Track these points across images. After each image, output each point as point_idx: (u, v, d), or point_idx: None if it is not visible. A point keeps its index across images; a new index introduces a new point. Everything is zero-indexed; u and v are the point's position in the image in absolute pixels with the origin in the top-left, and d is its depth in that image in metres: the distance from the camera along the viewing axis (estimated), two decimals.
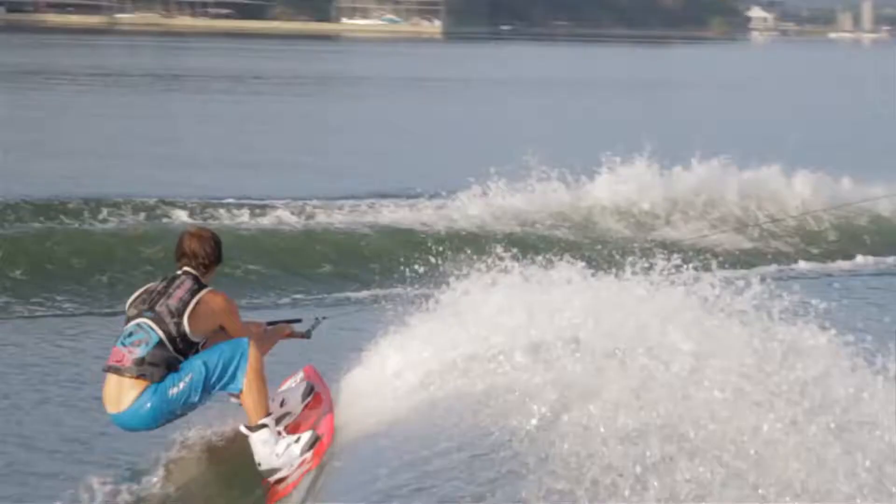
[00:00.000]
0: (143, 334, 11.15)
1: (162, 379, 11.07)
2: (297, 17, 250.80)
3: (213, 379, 11.22)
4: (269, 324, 12.72)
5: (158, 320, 11.18)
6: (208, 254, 11.57)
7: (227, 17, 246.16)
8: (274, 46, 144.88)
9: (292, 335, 12.78)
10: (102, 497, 11.40)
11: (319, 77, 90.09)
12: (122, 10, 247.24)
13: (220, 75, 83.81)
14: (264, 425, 11.39)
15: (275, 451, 11.37)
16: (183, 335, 11.18)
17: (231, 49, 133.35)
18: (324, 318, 13.24)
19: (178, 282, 11.41)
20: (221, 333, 11.48)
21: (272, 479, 11.35)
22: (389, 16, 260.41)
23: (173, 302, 11.25)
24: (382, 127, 51.27)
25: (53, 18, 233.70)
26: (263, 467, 11.39)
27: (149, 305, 11.29)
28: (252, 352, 11.30)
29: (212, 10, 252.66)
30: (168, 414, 11.22)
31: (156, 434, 11.71)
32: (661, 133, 29.74)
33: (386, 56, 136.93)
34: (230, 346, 11.31)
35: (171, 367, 11.12)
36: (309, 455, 11.35)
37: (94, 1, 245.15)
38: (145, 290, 11.47)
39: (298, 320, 13.14)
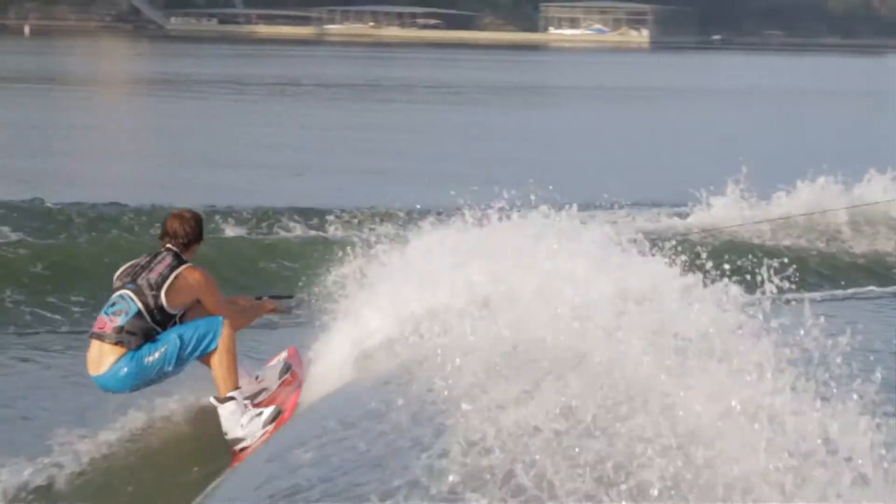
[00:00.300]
0: (123, 305, 12.09)
1: (139, 347, 11.98)
2: (505, 28, 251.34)
3: (188, 351, 12.11)
4: (258, 298, 13.61)
5: (139, 292, 12.08)
6: (188, 232, 12.43)
7: (435, 27, 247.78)
8: (481, 56, 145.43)
9: (275, 310, 13.69)
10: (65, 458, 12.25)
11: (529, 87, 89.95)
12: (331, 22, 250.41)
13: (428, 85, 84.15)
14: (231, 398, 12.24)
15: (240, 422, 12.20)
16: (160, 307, 12.07)
17: (439, 59, 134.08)
18: (311, 296, 14.04)
19: (159, 258, 12.28)
20: (201, 307, 12.33)
21: (237, 447, 12.16)
22: (597, 25, 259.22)
23: (153, 276, 12.13)
24: (591, 137, 50.78)
25: (264, 30, 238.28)
26: (229, 436, 12.22)
27: (131, 278, 12.21)
28: (225, 331, 12.17)
29: (420, 21, 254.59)
30: (143, 380, 12.11)
31: (136, 397, 12.70)
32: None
33: (594, 66, 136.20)
34: (206, 323, 12.17)
35: (149, 336, 12.03)
36: (270, 427, 12.12)
37: (305, 12, 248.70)
38: (131, 265, 12.38)
39: (290, 296, 14.16)
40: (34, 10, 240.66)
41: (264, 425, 12.17)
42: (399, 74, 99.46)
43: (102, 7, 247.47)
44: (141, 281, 12.15)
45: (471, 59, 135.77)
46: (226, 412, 12.27)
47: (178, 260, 12.29)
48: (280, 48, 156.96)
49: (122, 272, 12.35)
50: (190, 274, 12.22)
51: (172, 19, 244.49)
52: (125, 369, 11.99)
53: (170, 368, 12.14)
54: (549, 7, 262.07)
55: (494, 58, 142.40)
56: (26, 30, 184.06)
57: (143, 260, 12.36)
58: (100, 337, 12.10)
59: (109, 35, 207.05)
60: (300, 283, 15.30)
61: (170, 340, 12.07)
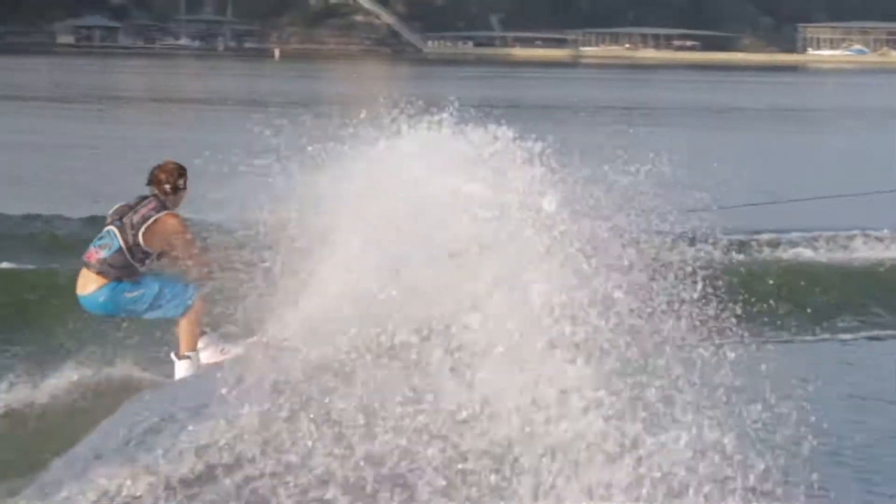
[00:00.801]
0: (108, 240, 13.41)
1: (119, 280, 13.38)
2: (765, 49, 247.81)
3: (161, 303, 13.45)
4: None
5: (122, 230, 13.34)
6: (171, 181, 13.51)
7: (691, 49, 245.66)
8: (739, 78, 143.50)
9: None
10: None
11: (791, 109, 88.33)
12: (587, 44, 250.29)
13: (689, 108, 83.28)
14: (188, 357, 13.59)
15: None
16: (138, 245, 13.27)
17: (696, 81, 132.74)
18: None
19: (145, 202, 13.46)
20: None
21: None
22: (857, 46, 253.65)
23: (137, 217, 13.35)
24: (860, 160, 49.48)
25: (520, 52, 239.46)
26: None
27: (119, 217, 13.45)
28: (196, 304, 13.43)
29: (676, 43, 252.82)
30: (117, 310, 13.50)
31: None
32: None
33: (855, 87, 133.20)
34: (185, 289, 13.43)
35: (129, 271, 13.35)
36: None
37: (561, 34, 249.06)
38: (123, 205, 13.55)
39: None
40: (295, 34, 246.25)
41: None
42: (657, 97, 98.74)
43: (363, 31, 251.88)
44: (126, 220, 13.39)
45: (729, 81, 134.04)
46: (181, 368, 13.60)
47: (162, 206, 13.43)
48: (536, 70, 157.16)
49: (115, 210, 13.57)
50: (167, 220, 13.35)
51: (429, 43, 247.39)
52: (102, 297, 13.40)
53: (140, 309, 13.50)
54: (809, 28, 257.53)
55: (752, 79, 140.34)
56: (276, 53, 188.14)
57: (132, 202, 13.55)
58: (87, 265, 13.47)
59: (369, 58, 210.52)
60: None
61: (150, 286, 13.46)
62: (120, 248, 13.34)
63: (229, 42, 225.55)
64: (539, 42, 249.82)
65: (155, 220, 13.33)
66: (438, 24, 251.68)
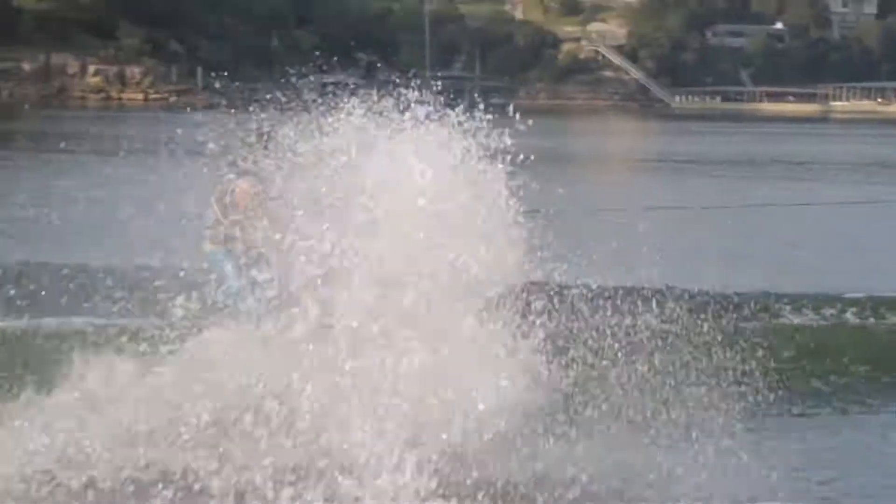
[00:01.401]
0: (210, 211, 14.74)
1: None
2: None
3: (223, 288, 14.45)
4: None
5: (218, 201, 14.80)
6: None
7: None
8: None
9: None
10: None
11: None
12: (837, 98, 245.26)
13: None
14: None
15: None
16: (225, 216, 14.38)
17: None
18: None
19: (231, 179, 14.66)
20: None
21: None
22: None
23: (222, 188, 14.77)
24: None
25: (768, 107, 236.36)
26: None
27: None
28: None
29: None
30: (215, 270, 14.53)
31: None
32: None
33: None
34: (239, 296, 14.41)
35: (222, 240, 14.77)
36: None
37: (811, 89, 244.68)
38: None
39: None
40: (543, 89, 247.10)
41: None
42: None
43: (611, 86, 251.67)
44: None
45: None
46: None
47: (240, 178, 14.36)
48: (783, 125, 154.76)
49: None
50: (243, 188, 14.35)
51: (677, 98, 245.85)
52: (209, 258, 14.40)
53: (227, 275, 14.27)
54: None
55: None
56: (510, 109, 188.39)
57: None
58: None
59: (615, 113, 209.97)
60: None
61: (223, 270, 14.36)
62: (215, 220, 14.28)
63: (475, 98, 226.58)
64: (790, 97, 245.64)
65: (233, 191, 14.29)
66: (687, 79, 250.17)
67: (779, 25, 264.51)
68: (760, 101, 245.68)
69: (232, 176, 14.40)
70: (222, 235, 14.24)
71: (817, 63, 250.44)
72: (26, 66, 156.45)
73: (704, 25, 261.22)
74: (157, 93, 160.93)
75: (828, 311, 24.03)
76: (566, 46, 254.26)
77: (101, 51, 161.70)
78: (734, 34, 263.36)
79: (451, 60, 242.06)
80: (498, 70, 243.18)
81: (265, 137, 14.59)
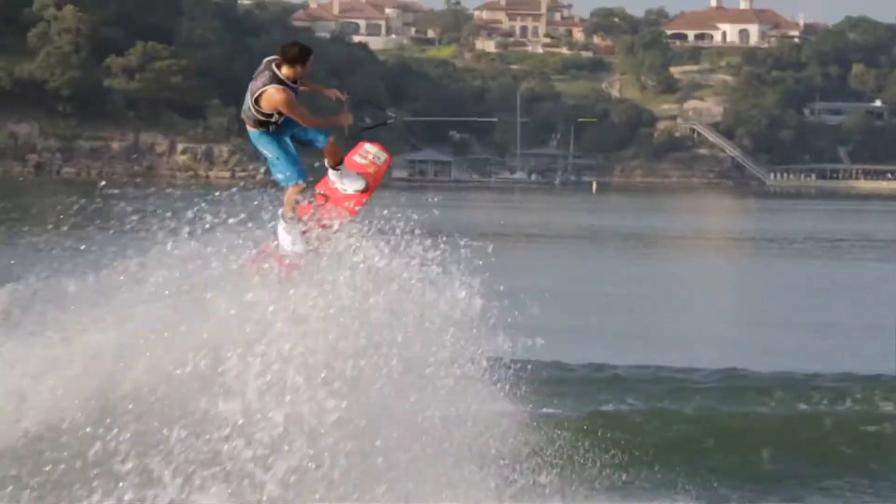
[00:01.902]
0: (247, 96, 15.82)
1: (258, 129, 15.88)
2: None
3: (274, 168, 16.12)
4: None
5: (250, 93, 15.63)
6: (285, 52, 15.41)
7: None
8: None
9: (344, 122, 16.45)
10: None
11: None
12: None
13: None
14: (284, 219, 16.07)
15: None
16: (258, 109, 15.51)
17: None
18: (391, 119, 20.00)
19: (260, 71, 15.58)
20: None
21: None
22: None
23: (253, 85, 15.56)
24: None
25: (864, 185, 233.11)
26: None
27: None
28: (291, 189, 16.03)
29: None
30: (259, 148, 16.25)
31: None
32: None
33: None
34: (294, 171, 16.06)
35: (264, 125, 15.81)
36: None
37: None
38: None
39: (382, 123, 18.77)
40: (639, 167, 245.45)
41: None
42: None
43: (706, 164, 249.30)
44: (251, 85, 15.64)
45: None
46: (280, 228, 16.04)
47: (272, 79, 15.38)
48: (880, 203, 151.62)
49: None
50: (275, 93, 15.31)
51: (772, 175, 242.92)
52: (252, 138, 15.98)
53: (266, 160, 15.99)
54: None
55: None
56: (593, 186, 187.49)
57: (257, 71, 15.66)
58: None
59: (711, 191, 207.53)
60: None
61: (273, 150, 15.93)
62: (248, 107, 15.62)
63: (568, 176, 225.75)
64: (890, 175, 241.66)
65: (262, 93, 15.37)
66: (784, 156, 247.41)
67: (878, 103, 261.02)
68: (857, 178, 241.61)
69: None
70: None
71: None
72: (115, 145, 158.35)
73: (802, 103, 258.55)
74: (243, 170, 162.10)
75: None
76: (662, 124, 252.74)
77: (190, 130, 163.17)
78: (832, 112, 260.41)
79: (546, 138, 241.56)
80: (592, 147, 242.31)
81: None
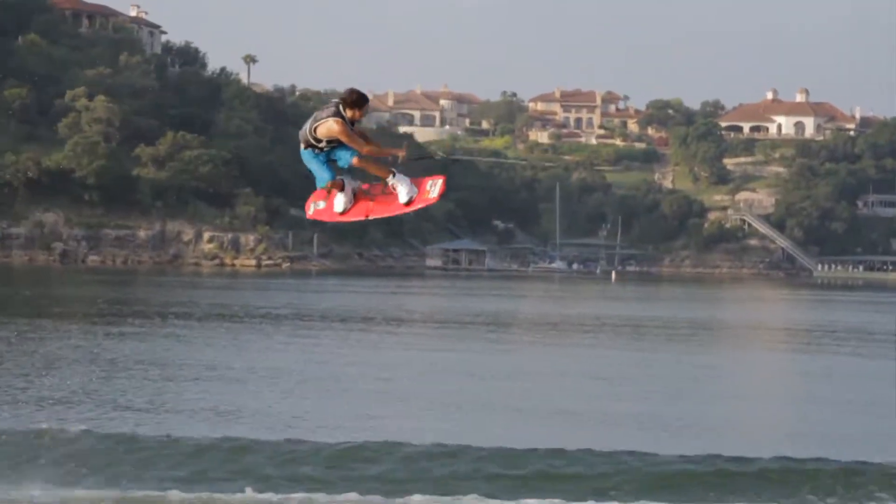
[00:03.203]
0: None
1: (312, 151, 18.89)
2: None
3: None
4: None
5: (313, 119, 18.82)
6: (346, 97, 18.39)
7: None
8: None
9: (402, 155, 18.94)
10: None
11: None
12: None
13: None
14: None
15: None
16: (314, 136, 18.65)
17: None
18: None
19: (327, 105, 18.71)
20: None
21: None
22: None
23: (319, 114, 18.66)
24: None
25: None
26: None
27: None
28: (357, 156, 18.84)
29: None
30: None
31: None
32: None
33: None
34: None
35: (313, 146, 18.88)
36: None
37: None
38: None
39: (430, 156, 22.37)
40: (688, 256, 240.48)
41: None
42: None
43: (756, 255, 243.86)
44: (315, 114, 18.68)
45: None
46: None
47: (335, 113, 18.17)
48: None
49: None
50: (334, 124, 18.14)
51: (819, 266, 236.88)
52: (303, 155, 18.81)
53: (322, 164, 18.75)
54: None
55: None
56: (613, 276, 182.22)
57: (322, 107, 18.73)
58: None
59: (759, 281, 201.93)
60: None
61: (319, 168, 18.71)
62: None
63: (610, 266, 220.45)
64: None
65: (324, 120, 18.10)
66: (836, 248, 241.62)
67: None
68: None
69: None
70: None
71: None
72: (141, 234, 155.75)
73: (855, 196, 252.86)
74: (270, 259, 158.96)
75: None
76: (713, 215, 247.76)
77: (217, 219, 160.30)
78: (886, 204, 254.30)
79: (595, 228, 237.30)
80: (643, 239, 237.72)
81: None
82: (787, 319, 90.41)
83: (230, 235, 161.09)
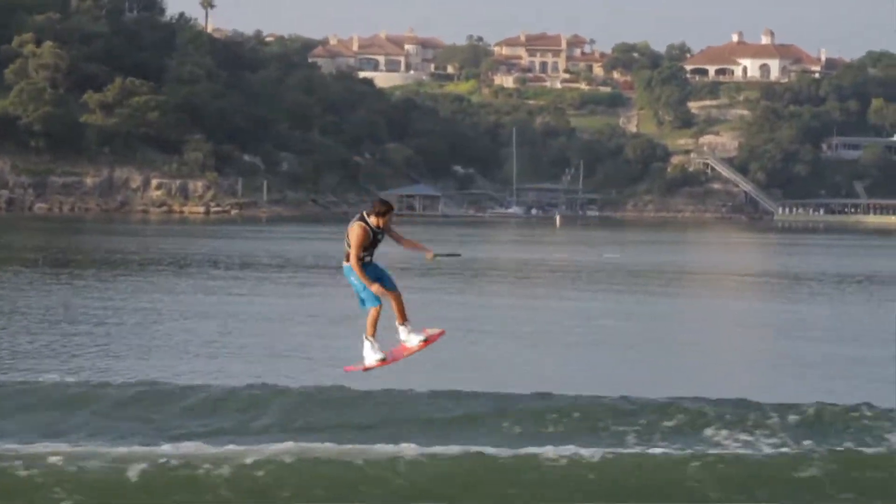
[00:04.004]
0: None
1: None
2: None
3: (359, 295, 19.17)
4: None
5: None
6: (373, 205, 18.93)
7: None
8: None
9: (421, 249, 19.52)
10: None
11: None
12: None
13: None
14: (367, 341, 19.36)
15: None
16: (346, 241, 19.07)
17: None
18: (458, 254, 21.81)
19: (357, 214, 19.16)
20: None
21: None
22: None
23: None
24: None
25: (872, 219, 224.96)
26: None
27: None
28: (371, 311, 19.00)
29: None
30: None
31: None
32: None
33: None
34: (368, 297, 19.01)
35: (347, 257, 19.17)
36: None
37: None
38: None
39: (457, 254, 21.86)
40: (651, 201, 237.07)
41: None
42: None
43: (719, 199, 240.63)
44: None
45: None
46: (366, 347, 19.36)
47: (358, 218, 18.71)
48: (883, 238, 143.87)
49: None
50: (352, 228, 18.60)
51: (780, 210, 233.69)
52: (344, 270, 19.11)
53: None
54: None
55: None
56: (557, 221, 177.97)
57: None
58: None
59: (721, 225, 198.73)
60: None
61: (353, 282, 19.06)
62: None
63: (567, 211, 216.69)
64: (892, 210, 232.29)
65: (349, 225, 18.76)
66: (800, 191, 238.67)
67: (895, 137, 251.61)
68: (867, 213, 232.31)
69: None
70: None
71: None
72: (89, 181, 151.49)
73: (820, 139, 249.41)
74: (218, 206, 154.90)
75: None
76: (675, 159, 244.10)
77: (165, 165, 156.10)
78: (850, 146, 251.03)
79: (559, 173, 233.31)
80: (606, 183, 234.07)
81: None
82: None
83: (178, 182, 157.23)
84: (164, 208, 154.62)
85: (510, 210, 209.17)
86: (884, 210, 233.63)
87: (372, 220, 18.36)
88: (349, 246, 18.40)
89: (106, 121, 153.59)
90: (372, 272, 18.60)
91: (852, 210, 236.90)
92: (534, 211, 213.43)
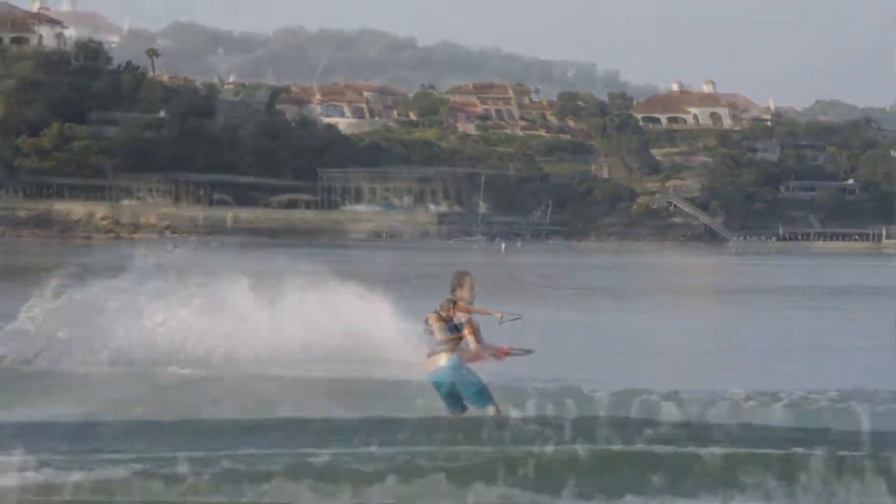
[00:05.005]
0: None
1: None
2: None
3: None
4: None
5: None
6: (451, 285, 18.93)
7: None
8: None
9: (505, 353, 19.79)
10: None
11: None
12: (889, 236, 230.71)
13: None
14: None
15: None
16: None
17: None
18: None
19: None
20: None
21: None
22: None
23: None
24: None
25: (819, 244, 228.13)
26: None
27: None
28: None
29: None
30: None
31: None
32: None
33: None
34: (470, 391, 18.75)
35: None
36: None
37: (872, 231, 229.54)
38: None
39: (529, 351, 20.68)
40: (614, 232, 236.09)
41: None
42: None
43: (679, 231, 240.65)
44: None
45: None
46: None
47: (434, 311, 18.65)
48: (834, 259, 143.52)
49: None
50: (428, 320, 18.59)
51: (734, 238, 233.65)
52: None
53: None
54: None
55: None
56: (502, 247, 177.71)
57: None
58: None
59: (673, 250, 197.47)
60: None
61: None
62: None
63: (530, 241, 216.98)
64: (856, 237, 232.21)
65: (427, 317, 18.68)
66: (759, 225, 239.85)
67: (850, 182, 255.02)
68: (816, 240, 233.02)
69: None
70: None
71: (886, 210, 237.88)
72: (22, 214, 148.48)
73: (778, 182, 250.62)
74: (174, 233, 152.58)
75: None
76: (642, 199, 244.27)
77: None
78: (806, 189, 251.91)
79: (531, 209, 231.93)
80: (574, 219, 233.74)
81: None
82: None
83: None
84: (112, 234, 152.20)
85: (475, 238, 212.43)
86: (833, 237, 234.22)
87: (443, 312, 18.60)
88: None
89: (41, 163, 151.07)
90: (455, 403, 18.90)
91: (805, 237, 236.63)
92: (497, 239, 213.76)
